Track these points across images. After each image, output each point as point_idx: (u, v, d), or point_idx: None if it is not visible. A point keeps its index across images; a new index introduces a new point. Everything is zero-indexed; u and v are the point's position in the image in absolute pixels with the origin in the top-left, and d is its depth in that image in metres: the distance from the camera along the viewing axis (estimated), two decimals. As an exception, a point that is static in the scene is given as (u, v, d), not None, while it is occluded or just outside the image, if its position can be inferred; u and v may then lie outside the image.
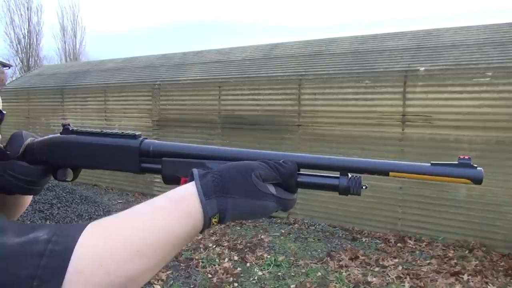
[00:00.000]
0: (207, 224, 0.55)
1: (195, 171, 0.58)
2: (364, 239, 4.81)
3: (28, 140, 0.76)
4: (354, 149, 5.09)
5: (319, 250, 4.51)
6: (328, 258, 4.25)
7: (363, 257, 4.25)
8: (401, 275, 3.84)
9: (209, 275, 3.91)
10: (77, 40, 29.78)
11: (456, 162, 0.60)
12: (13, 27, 27.31)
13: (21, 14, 27.28)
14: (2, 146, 0.75)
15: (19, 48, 27.74)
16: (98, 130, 0.75)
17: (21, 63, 28.00)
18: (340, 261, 4.16)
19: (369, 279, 3.75)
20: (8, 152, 0.74)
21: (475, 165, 0.60)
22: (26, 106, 9.16)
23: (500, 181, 4.30)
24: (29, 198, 0.84)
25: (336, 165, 0.65)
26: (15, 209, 0.82)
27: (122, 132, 0.73)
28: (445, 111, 4.57)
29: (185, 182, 0.59)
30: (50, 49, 45.42)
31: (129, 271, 0.48)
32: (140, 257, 0.49)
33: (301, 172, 0.64)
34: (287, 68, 5.88)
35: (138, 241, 0.49)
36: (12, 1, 27.21)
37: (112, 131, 0.74)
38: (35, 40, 28.10)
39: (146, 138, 0.74)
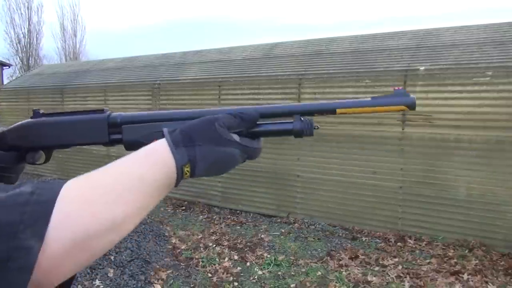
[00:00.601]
0: (180, 174, 0.57)
1: (165, 128, 0.61)
2: (364, 239, 4.82)
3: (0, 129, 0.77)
4: (354, 149, 5.09)
5: (319, 249, 4.52)
6: (328, 258, 4.25)
7: (363, 257, 4.25)
8: (401, 275, 3.84)
9: (209, 275, 3.92)
10: (77, 39, 29.80)
11: (392, 93, 0.67)
12: (13, 26, 27.33)
13: (21, 14, 27.30)
14: None
15: (19, 48, 27.75)
16: (67, 111, 0.78)
17: (21, 63, 28.00)
18: (340, 260, 4.17)
19: (369, 278, 3.75)
20: None
21: (408, 93, 0.67)
22: (26, 105, 9.15)
23: (500, 180, 4.30)
24: None
25: (289, 110, 0.70)
26: None
27: (90, 109, 0.77)
28: (445, 111, 4.57)
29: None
30: (50, 49, 45.46)
31: (114, 213, 0.50)
32: (123, 200, 0.51)
33: (259, 122, 0.69)
34: (287, 68, 5.88)
35: (118, 186, 0.52)
36: (13, 0, 27.21)
37: (80, 110, 0.77)
38: (35, 39, 28.11)
39: (114, 112, 0.76)
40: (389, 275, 3.84)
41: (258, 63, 6.28)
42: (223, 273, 3.92)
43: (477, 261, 4.04)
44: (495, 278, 3.74)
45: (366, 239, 4.79)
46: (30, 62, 27.55)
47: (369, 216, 5.08)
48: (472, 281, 3.67)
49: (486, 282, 3.65)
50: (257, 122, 0.69)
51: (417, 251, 4.40)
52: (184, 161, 0.57)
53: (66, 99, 8.40)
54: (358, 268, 4.01)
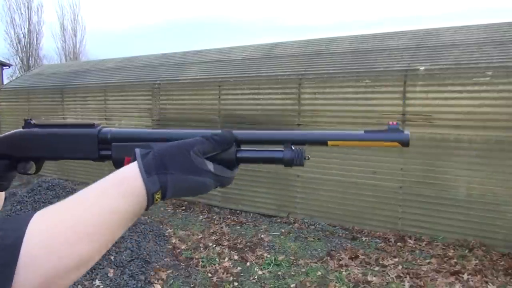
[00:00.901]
0: (150, 201, 0.57)
1: (137, 150, 0.61)
2: (364, 239, 4.82)
3: None
4: (354, 149, 5.09)
5: (319, 249, 4.51)
6: (328, 258, 4.25)
7: (363, 257, 4.25)
8: (401, 275, 3.84)
9: (209, 275, 3.92)
10: (77, 39, 29.80)
11: (386, 128, 0.66)
12: (13, 26, 27.33)
13: (22, 13, 27.29)
14: None
15: (19, 48, 27.74)
16: (59, 122, 0.78)
17: (21, 63, 28.00)
18: (340, 260, 4.17)
19: (369, 278, 3.75)
20: None
21: (402, 129, 0.65)
22: (26, 105, 9.15)
23: (500, 180, 4.30)
24: (1, 197, 0.84)
25: (278, 139, 0.68)
26: None
27: (81, 123, 0.76)
28: (445, 111, 4.57)
29: (129, 161, 0.62)
30: (50, 49, 45.45)
31: (80, 252, 0.50)
32: (90, 238, 0.51)
33: (242, 148, 0.68)
34: (287, 68, 5.88)
35: (86, 222, 0.51)
36: (13, 0, 27.21)
37: (72, 122, 0.77)
38: (35, 39, 28.10)
39: (105, 127, 0.76)
40: (389, 275, 3.84)
41: (258, 63, 6.28)
42: (223, 273, 3.92)
43: (477, 261, 4.04)
44: (495, 278, 3.74)
45: (366, 239, 4.79)
46: (30, 62, 27.54)
47: (369, 216, 5.08)
48: (472, 281, 3.67)
49: (486, 282, 3.65)
50: (244, 148, 0.68)
51: (417, 251, 4.40)
52: (155, 188, 0.57)
53: (66, 99, 8.40)
54: (358, 268, 4.01)
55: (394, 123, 0.66)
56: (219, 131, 0.66)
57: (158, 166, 0.58)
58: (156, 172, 0.57)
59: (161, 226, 5.09)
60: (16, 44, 27.54)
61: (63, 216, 0.52)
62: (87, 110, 8.09)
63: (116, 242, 4.40)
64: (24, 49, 27.82)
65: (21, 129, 0.77)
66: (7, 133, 0.78)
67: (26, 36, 27.65)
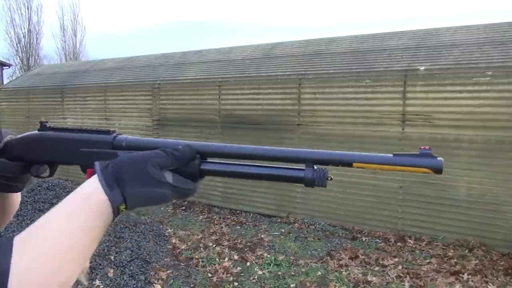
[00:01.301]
0: (116, 212, 0.59)
1: (97, 164, 0.61)
2: (364, 239, 4.82)
3: (8, 137, 0.77)
4: (354, 149, 5.09)
5: (319, 249, 4.51)
6: (328, 258, 4.25)
7: (363, 257, 4.25)
8: (401, 275, 3.84)
9: (209, 274, 3.92)
10: (77, 39, 29.80)
11: (418, 153, 0.62)
12: (13, 26, 27.33)
13: (21, 14, 27.29)
14: None
15: (19, 48, 27.75)
16: (75, 127, 0.77)
17: (21, 63, 28.00)
18: (340, 260, 4.17)
19: (369, 278, 3.75)
20: None
21: (436, 155, 0.61)
22: (26, 105, 9.16)
23: (500, 180, 4.30)
24: (17, 199, 0.84)
25: (304, 157, 0.65)
26: (4, 211, 0.82)
27: (97, 128, 0.76)
28: (445, 111, 4.57)
29: (91, 173, 0.62)
30: (50, 49, 45.45)
31: (60, 278, 0.52)
32: (67, 262, 0.53)
33: (209, 161, 0.67)
34: (287, 68, 5.88)
35: (62, 248, 0.53)
36: (13, 0, 27.23)
37: (87, 128, 0.76)
38: (35, 39, 28.11)
39: (120, 134, 0.76)
40: (389, 275, 3.84)
41: (258, 63, 6.28)
42: (223, 273, 3.92)
43: (477, 261, 4.04)
44: (495, 278, 3.74)
45: (366, 239, 4.79)
46: (30, 62, 27.55)
47: (369, 216, 5.08)
48: (472, 281, 3.67)
49: (486, 282, 3.65)
50: (211, 160, 0.68)
51: (417, 251, 4.40)
52: (119, 201, 0.58)
53: (66, 99, 8.40)
54: (358, 268, 4.01)
55: (427, 147, 0.62)
56: (180, 146, 0.65)
57: (118, 179, 0.59)
58: (117, 185, 0.59)
59: (161, 226, 5.09)
60: (16, 44, 27.56)
61: (40, 246, 0.53)
62: (87, 110, 8.09)
63: (116, 242, 4.40)
64: (24, 49, 27.83)
65: (36, 132, 0.77)
66: (23, 135, 0.77)
67: (26, 36, 27.66)
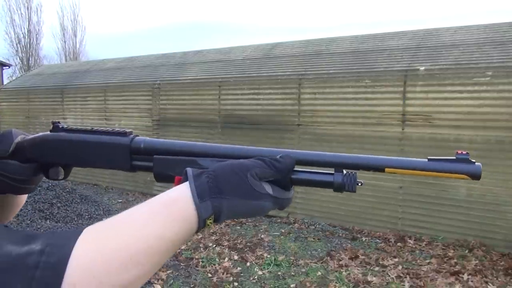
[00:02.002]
0: (201, 226, 0.54)
1: (189, 170, 0.56)
2: (364, 239, 4.81)
3: (19, 138, 0.74)
4: (354, 149, 5.09)
5: (319, 249, 4.51)
6: (328, 258, 4.25)
7: (363, 257, 4.25)
8: (401, 275, 3.84)
9: (209, 275, 3.92)
10: (77, 39, 29.82)
11: (454, 158, 0.59)
12: (13, 26, 27.35)
13: (21, 14, 27.30)
14: None
15: (19, 48, 27.77)
16: (89, 128, 0.73)
17: (21, 63, 28.02)
18: (340, 260, 4.17)
19: (369, 278, 3.75)
20: None
21: (473, 160, 0.58)
22: (26, 105, 9.16)
23: (500, 180, 4.30)
24: (23, 197, 0.82)
25: (331, 161, 0.63)
26: (9, 209, 0.81)
27: (113, 130, 0.72)
28: (445, 111, 4.57)
29: (179, 181, 0.58)
30: (50, 49, 45.45)
31: (123, 280, 0.47)
32: (134, 265, 0.48)
33: (295, 169, 0.63)
34: (287, 68, 5.88)
35: (131, 249, 0.49)
36: (13, 0, 27.25)
37: (103, 128, 0.72)
38: (35, 39, 28.13)
39: (137, 136, 0.72)
40: (389, 275, 3.83)
41: (258, 63, 6.28)
42: (223, 273, 3.92)
43: (477, 261, 4.04)
44: (495, 278, 3.74)
45: (366, 239, 4.79)
46: (30, 62, 27.56)
47: (369, 216, 5.08)
48: (472, 281, 3.66)
49: (486, 282, 3.65)
50: (299, 169, 0.63)
51: (417, 251, 4.40)
52: (207, 214, 0.53)
53: (66, 99, 8.41)
54: (358, 268, 4.01)
55: (464, 152, 0.59)
56: (279, 155, 0.61)
57: (212, 189, 0.54)
58: (210, 197, 0.54)
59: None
60: (16, 44, 27.57)
61: (108, 240, 0.49)
62: (87, 110, 8.09)
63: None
64: (24, 49, 27.85)
65: (49, 133, 0.74)
66: (35, 136, 0.74)
67: (26, 36, 27.68)
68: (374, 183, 5.01)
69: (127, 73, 7.81)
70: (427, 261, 4.14)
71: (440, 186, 4.62)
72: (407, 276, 3.80)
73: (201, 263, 4.14)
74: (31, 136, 0.75)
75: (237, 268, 4.05)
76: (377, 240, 4.76)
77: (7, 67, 24.66)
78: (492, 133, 4.33)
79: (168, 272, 3.91)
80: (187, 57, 7.49)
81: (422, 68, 4.78)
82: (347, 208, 5.22)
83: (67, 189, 5.79)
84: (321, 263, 4.16)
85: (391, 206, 4.94)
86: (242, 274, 3.94)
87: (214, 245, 4.61)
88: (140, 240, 0.49)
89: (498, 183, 4.31)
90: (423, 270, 3.91)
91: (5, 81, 20.27)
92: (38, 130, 9.31)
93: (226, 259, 4.24)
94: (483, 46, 4.75)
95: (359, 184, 0.61)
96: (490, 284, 3.62)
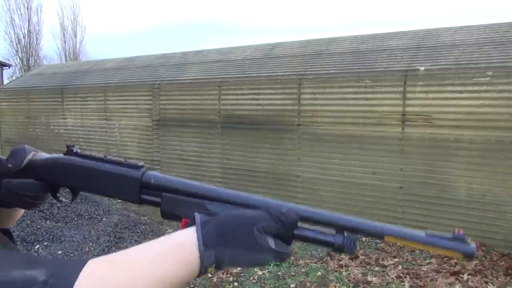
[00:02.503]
0: (202, 273, 0.55)
1: (198, 217, 0.58)
2: (364, 239, 4.81)
3: (30, 155, 0.76)
4: (354, 149, 5.09)
5: (319, 249, 4.52)
6: (328, 258, 4.25)
7: (363, 257, 4.25)
8: (401, 275, 3.84)
9: (209, 275, 3.92)
10: (77, 39, 29.83)
11: (451, 236, 0.61)
12: (13, 26, 27.35)
13: (21, 14, 27.31)
14: (4, 158, 0.76)
15: (19, 48, 27.77)
16: (102, 156, 0.75)
17: (21, 63, 28.02)
18: (340, 260, 4.17)
19: (369, 278, 3.75)
20: (10, 165, 0.74)
21: (468, 241, 0.61)
22: (26, 105, 9.16)
23: (500, 180, 4.30)
24: (19, 213, 0.85)
25: (334, 222, 0.65)
26: (13, 217, 0.85)
27: (125, 161, 0.73)
28: (445, 111, 4.57)
29: (186, 224, 0.59)
30: (50, 49, 45.45)
31: None
32: None
33: (298, 225, 0.65)
34: (287, 68, 5.88)
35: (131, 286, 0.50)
36: (12, 0, 27.26)
37: (115, 158, 0.74)
38: (35, 39, 28.13)
39: (149, 170, 0.73)
40: (389, 275, 3.84)
41: (258, 63, 6.28)
42: (223, 273, 3.92)
43: (477, 261, 4.04)
44: (495, 278, 3.74)
45: (366, 239, 4.79)
46: (30, 62, 27.57)
47: (369, 216, 5.04)
48: (472, 281, 3.66)
49: (486, 282, 3.65)
50: (302, 226, 0.65)
51: (417, 251, 4.40)
52: (210, 262, 0.55)
53: (66, 99, 8.41)
54: (358, 268, 4.01)
55: (461, 231, 0.61)
56: (285, 209, 0.62)
57: (218, 239, 0.56)
58: (215, 246, 0.55)
59: (161, 226, 5.09)
60: (16, 44, 27.57)
61: (111, 280, 0.50)
62: (87, 110, 8.09)
63: (116, 242, 4.40)
64: (24, 49, 27.85)
65: (62, 156, 0.76)
66: (48, 157, 0.77)
67: (26, 36, 27.68)
68: (374, 183, 5.01)
69: (127, 73, 7.81)
70: (427, 261, 4.14)
71: (440, 187, 4.62)
72: (407, 276, 3.80)
73: (201, 263, 4.14)
74: (44, 157, 0.77)
75: (237, 268, 4.06)
76: (377, 240, 4.76)
77: (7, 67, 24.66)
78: (492, 133, 4.33)
79: (168, 272, 3.91)
80: (187, 57, 7.49)
81: (422, 68, 4.78)
82: (347, 208, 5.21)
83: (67, 189, 5.79)
84: (321, 263, 4.16)
85: (391, 206, 4.94)
86: (242, 274, 3.94)
87: (214, 245, 4.60)
88: (143, 282, 0.51)
89: (498, 183, 4.31)
90: (423, 270, 3.91)
91: (5, 81, 20.28)
92: (38, 130, 9.31)
93: (226, 259, 4.24)
94: (483, 46, 4.75)
95: (357, 249, 0.64)
96: (490, 284, 3.62)
